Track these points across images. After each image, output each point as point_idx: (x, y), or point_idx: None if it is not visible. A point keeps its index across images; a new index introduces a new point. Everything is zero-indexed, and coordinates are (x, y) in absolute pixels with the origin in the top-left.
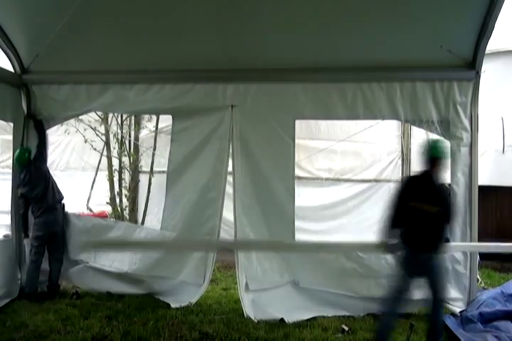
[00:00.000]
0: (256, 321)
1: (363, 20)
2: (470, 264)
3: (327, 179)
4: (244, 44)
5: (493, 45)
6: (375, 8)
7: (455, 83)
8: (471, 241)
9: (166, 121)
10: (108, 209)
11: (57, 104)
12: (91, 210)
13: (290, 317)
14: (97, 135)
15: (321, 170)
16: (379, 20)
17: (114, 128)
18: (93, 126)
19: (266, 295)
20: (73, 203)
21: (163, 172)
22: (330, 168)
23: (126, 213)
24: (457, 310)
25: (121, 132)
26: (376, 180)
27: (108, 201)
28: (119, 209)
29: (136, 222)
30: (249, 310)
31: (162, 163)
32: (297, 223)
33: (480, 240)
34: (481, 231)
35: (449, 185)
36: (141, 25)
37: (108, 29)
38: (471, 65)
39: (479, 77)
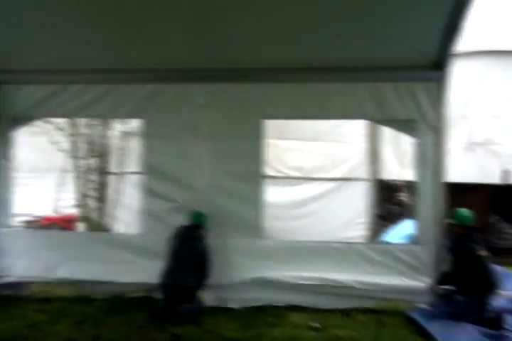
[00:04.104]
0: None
1: (329, 20)
2: (436, 259)
3: (297, 178)
4: (213, 44)
5: (460, 45)
6: (342, 8)
7: (421, 83)
8: (438, 238)
9: (134, 121)
10: (76, 211)
11: (23, 105)
12: (58, 213)
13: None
14: (65, 136)
15: (291, 169)
16: (345, 21)
17: (81, 129)
18: (61, 127)
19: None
20: (40, 206)
21: (132, 173)
22: (300, 167)
23: (94, 215)
24: (425, 304)
25: (90, 133)
26: (345, 179)
27: (76, 203)
28: (87, 211)
29: (105, 224)
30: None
31: (131, 165)
32: (267, 222)
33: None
34: (448, 229)
35: (416, 182)
36: (106, 22)
37: (71, 27)
38: (438, 65)
39: (446, 77)
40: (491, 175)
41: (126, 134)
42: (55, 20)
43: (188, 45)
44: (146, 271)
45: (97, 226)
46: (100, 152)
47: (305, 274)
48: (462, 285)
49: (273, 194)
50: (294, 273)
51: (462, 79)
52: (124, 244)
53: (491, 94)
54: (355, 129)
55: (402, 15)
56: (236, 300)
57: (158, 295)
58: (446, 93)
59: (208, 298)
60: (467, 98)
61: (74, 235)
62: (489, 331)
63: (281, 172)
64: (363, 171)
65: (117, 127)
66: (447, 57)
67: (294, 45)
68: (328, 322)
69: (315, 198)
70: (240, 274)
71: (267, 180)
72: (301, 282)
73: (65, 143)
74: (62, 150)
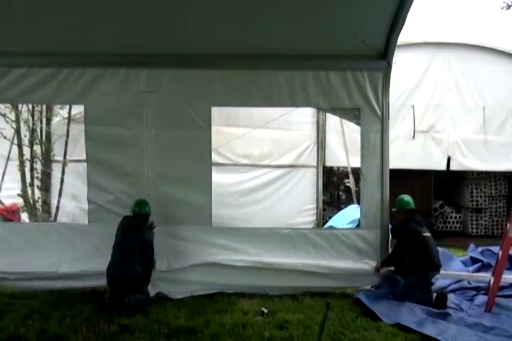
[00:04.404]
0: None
1: (278, 8)
2: (381, 242)
3: (245, 165)
4: (159, 28)
5: (405, 36)
6: None
7: (366, 73)
8: (382, 223)
9: (79, 107)
10: (19, 201)
11: None
12: (1, 203)
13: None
14: (7, 122)
15: (240, 157)
16: (294, 9)
17: (24, 115)
18: (2, 113)
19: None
20: None
21: (77, 161)
22: (248, 154)
23: (38, 205)
24: (371, 286)
25: (33, 119)
26: (293, 166)
27: (19, 193)
28: (31, 201)
29: (49, 214)
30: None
31: (76, 152)
32: (215, 209)
33: (391, 221)
34: (392, 214)
35: (360, 169)
36: (50, 4)
37: (11, 6)
38: (383, 55)
39: (390, 67)
40: (434, 162)
41: (70, 120)
42: None
43: (134, 29)
44: (91, 262)
45: (42, 216)
46: (44, 139)
47: (253, 260)
48: (406, 266)
49: (221, 181)
50: (242, 260)
51: (407, 69)
52: (69, 234)
53: (434, 84)
54: (303, 117)
55: (350, 6)
56: (184, 288)
57: (105, 286)
58: (390, 82)
59: (155, 287)
60: (411, 87)
61: (17, 226)
62: (433, 310)
63: (229, 159)
64: (310, 158)
65: (61, 113)
66: (392, 47)
67: (244, 32)
68: (277, 307)
69: (263, 185)
70: (189, 262)
71: (216, 168)
72: (249, 268)
73: (7, 129)
74: (4, 138)
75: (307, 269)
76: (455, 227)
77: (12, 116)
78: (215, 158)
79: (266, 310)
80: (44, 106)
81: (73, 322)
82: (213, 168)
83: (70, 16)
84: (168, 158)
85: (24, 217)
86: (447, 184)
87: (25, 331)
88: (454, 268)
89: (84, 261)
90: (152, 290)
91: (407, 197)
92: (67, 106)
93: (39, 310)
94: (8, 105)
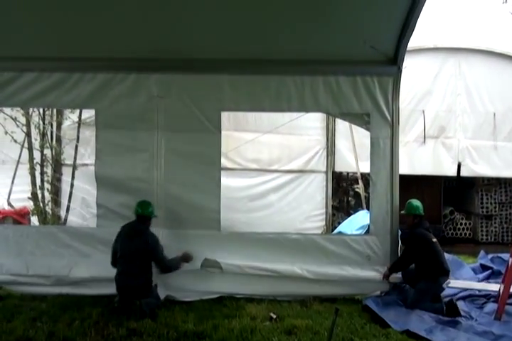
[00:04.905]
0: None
1: (290, 14)
2: (390, 249)
3: (255, 170)
4: (169, 34)
5: (415, 42)
6: (302, 3)
7: (376, 78)
8: (392, 229)
9: (89, 111)
10: (30, 204)
11: None
12: (12, 206)
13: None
14: (18, 126)
15: (249, 161)
16: (304, 15)
17: (35, 118)
18: (13, 117)
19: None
20: None
21: (87, 165)
22: (257, 159)
23: (48, 208)
24: (380, 292)
25: (43, 123)
26: (302, 171)
27: (30, 196)
28: (41, 204)
29: (59, 217)
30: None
31: (86, 156)
32: (224, 214)
33: (400, 227)
34: (402, 220)
35: (369, 174)
36: (61, 10)
37: (22, 13)
38: (393, 60)
39: (400, 72)
40: (444, 168)
41: (80, 124)
42: (5, 7)
43: (145, 34)
44: (101, 266)
45: (52, 219)
46: (54, 143)
47: (262, 265)
48: (415, 273)
49: (230, 186)
50: (251, 265)
51: (417, 74)
52: (79, 237)
53: (444, 89)
54: (312, 122)
55: (360, 11)
56: (193, 293)
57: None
58: (400, 87)
59: (164, 290)
60: (422, 93)
61: (27, 229)
62: (442, 317)
63: (238, 164)
64: (319, 163)
65: (71, 117)
66: (402, 52)
67: (253, 38)
68: (285, 313)
69: (273, 190)
70: (196, 266)
71: (225, 172)
72: (257, 273)
73: (17, 133)
74: (15, 141)
75: (316, 275)
76: (465, 234)
77: (23, 119)
78: (224, 162)
79: (274, 316)
80: (55, 110)
81: (82, 325)
82: (222, 173)
83: (81, 21)
84: (178, 162)
85: (34, 220)
86: (457, 190)
87: (34, 333)
88: (464, 275)
89: (93, 265)
90: (161, 294)
91: (415, 202)
92: (78, 110)
93: (48, 312)
94: (19, 109)
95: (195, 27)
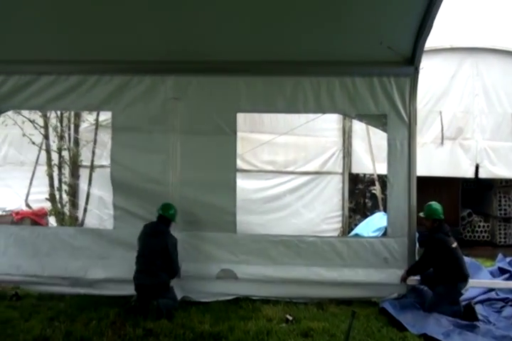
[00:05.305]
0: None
1: (305, 15)
2: (408, 251)
3: (270, 171)
4: (184, 36)
5: (432, 42)
6: (318, 4)
7: (393, 78)
8: (409, 231)
9: (106, 113)
10: (47, 205)
11: None
12: (30, 207)
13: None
14: (36, 128)
15: (265, 163)
16: (320, 15)
17: (53, 121)
18: (31, 119)
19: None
20: (11, 200)
21: (104, 166)
22: (273, 161)
23: (66, 209)
24: (397, 295)
25: (61, 125)
26: (318, 173)
27: (47, 197)
28: (59, 205)
29: (76, 218)
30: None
31: (103, 157)
32: (240, 216)
33: (418, 230)
34: (420, 222)
35: (386, 176)
36: (76, 13)
37: (41, 16)
38: (410, 61)
39: (418, 73)
40: (462, 170)
41: (98, 127)
42: (24, 11)
43: (161, 37)
44: (118, 267)
45: (69, 220)
46: (71, 145)
47: (278, 267)
48: (434, 277)
49: (246, 187)
50: (267, 267)
51: (434, 75)
52: (95, 238)
53: (462, 90)
54: (328, 123)
55: (377, 11)
56: (209, 294)
57: (131, 292)
58: (417, 88)
59: (180, 291)
60: (439, 93)
61: (45, 230)
62: (460, 321)
63: (254, 166)
64: (336, 165)
65: (89, 119)
66: (419, 53)
67: (269, 38)
68: (301, 315)
69: (288, 192)
70: (214, 267)
71: (240, 174)
72: (274, 275)
73: (36, 135)
74: (33, 143)
75: (332, 277)
76: (483, 237)
77: (41, 122)
78: (239, 164)
79: (290, 318)
80: (72, 113)
81: (99, 325)
82: (238, 175)
83: (98, 25)
84: (193, 164)
85: (52, 220)
86: (475, 192)
87: (52, 333)
88: (482, 278)
89: (110, 266)
90: (177, 295)
91: (435, 205)
92: (95, 113)
93: (65, 312)
94: (37, 111)
95: (211, 28)
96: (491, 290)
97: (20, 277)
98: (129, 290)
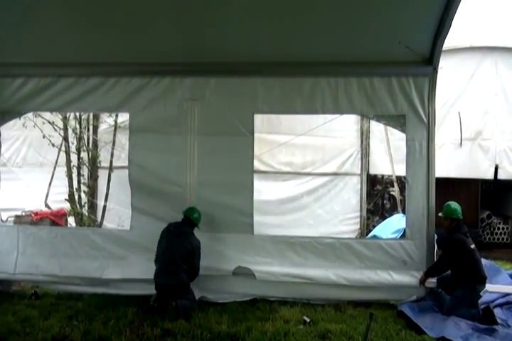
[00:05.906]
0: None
1: (322, 16)
2: (427, 253)
3: (288, 173)
4: (201, 37)
5: (450, 41)
6: (335, 4)
7: (412, 78)
8: (428, 233)
9: (125, 115)
10: (66, 206)
11: (12, 98)
12: (49, 207)
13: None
14: (55, 130)
15: (282, 164)
16: (337, 16)
17: (72, 122)
18: (51, 121)
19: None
20: (31, 201)
21: (123, 167)
22: (291, 162)
23: (85, 210)
24: (416, 298)
25: (80, 127)
26: (336, 174)
27: (66, 198)
28: (78, 206)
29: (95, 219)
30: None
31: (122, 159)
32: (257, 217)
33: (437, 232)
34: (439, 223)
35: (405, 177)
36: (95, 15)
37: (61, 19)
38: (429, 60)
39: (436, 72)
40: (481, 171)
41: (116, 128)
42: (43, 14)
43: (177, 39)
44: (135, 267)
45: (88, 221)
46: (90, 146)
47: (296, 268)
48: (452, 280)
49: (263, 189)
50: (285, 268)
51: (453, 74)
52: (113, 239)
53: (481, 90)
54: (346, 124)
55: (395, 11)
56: (227, 295)
57: (149, 293)
58: (436, 88)
59: (198, 292)
60: (458, 93)
61: (63, 230)
62: (479, 325)
63: (272, 167)
64: (354, 166)
65: (107, 121)
66: (438, 52)
67: (286, 40)
68: (319, 317)
69: (306, 193)
70: (231, 269)
71: (258, 175)
72: (291, 276)
73: (55, 137)
74: (52, 145)
75: (350, 279)
76: (502, 239)
77: (60, 124)
78: (257, 165)
79: (308, 319)
80: (91, 114)
81: (117, 324)
82: (255, 176)
83: (118, 27)
84: (211, 165)
85: (71, 221)
86: (495, 193)
87: (70, 331)
88: (501, 281)
89: (127, 267)
90: (195, 295)
91: (454, 205)
92: (114, 114)
93: (84, 311)
94: (56, 113)
95: (229, 30)
96: (510, 293)
97: (39, 276)
98: (146, 289)
